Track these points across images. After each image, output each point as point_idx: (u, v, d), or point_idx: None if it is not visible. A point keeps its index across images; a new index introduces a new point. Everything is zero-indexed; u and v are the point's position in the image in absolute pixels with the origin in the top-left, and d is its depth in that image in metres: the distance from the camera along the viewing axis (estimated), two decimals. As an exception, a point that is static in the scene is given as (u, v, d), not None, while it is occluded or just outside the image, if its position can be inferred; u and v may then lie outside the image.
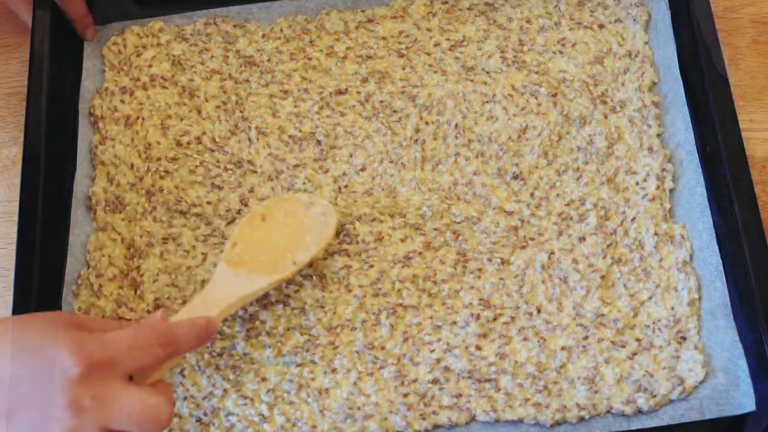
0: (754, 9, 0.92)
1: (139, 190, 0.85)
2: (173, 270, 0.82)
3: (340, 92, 0.88)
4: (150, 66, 0.90)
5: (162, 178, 0.85)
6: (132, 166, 0.86)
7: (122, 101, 0.88)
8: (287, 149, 0.86)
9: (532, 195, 0.83)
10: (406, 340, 0.78)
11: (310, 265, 0.80)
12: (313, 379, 0.78)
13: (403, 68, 0.88)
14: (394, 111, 0.87)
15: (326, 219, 0.79)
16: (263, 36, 0.91)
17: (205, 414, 0.77)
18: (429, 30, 0.90)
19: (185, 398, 0.78)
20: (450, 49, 0.89)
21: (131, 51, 0.90)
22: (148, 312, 0.81)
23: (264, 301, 0.80)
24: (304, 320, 0.80)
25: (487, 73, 0.88)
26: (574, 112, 0.85)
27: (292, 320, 0.80)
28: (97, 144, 0.87)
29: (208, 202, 0.84)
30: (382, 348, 0.78)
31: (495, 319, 0.78)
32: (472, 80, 0.87)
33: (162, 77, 0.89)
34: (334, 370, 0.78)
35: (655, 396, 0.75)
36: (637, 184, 0.82)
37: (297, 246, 0.77)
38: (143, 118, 0.87)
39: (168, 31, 0.91)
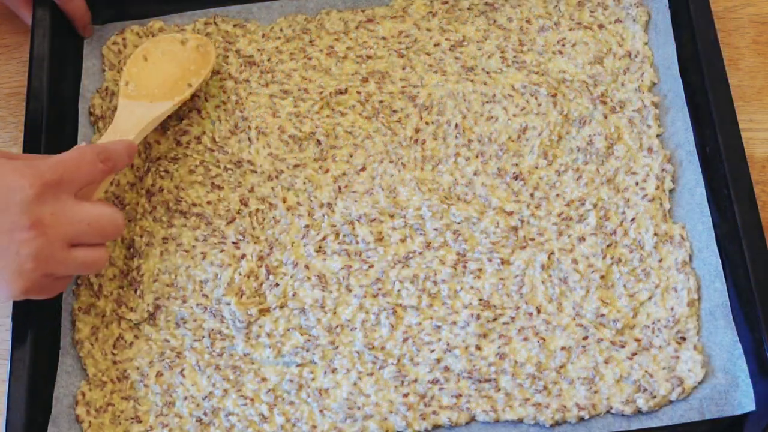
0: (754, 9, 0.92)
1: (139, 190, 0.85)
2: (173, 270, 0.82)
3: (340, 92, 0.88)
4: (150, 66, 0.90)
5: (162, 178, 0.85)
6: (132, 166, 0.86)
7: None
8: (287, 149, 0.86)
9: (532, 195, 0.83)
10: (406, 340, 0.78)
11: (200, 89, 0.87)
12: (313, 379, 0.78)
13: (403, 68, 0.88)
14: (394, 111, 0.87)
15: (205, 49, 0.87)
16: (263, 36, 0.91)
17: (205, 414, 0.77)
18: (429, 30, 0.90)
19: (185, 398, 0.78)
20: (450, 49, 0.89)
21: (131, 50, 0.90)
22: (149, 312, 0.81)
23: (263, 304, 0.80)
24: (304, 320, 0.80)
25: (487, 73, 0.88)
26: (574, 112, 0.85)
27: (292, 320, 0.80)
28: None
29: (208, 202, 0.84)
30: (382, 348, 0.78)
31: (495, 319, 0.78)
32: (472, 80, 0.87)
33: (162, 77, 0.89)
34: (334, 370, 0.78)
35: (654, 396, 0.75)
36: (637, 184, 0.82)
37: (187, 74, 0.85)
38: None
39: (168, 31, 0.91)
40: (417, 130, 0.86)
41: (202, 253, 0.83)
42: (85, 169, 0.70)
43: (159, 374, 0.79)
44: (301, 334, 0.79)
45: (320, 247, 0.82)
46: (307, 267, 0.81)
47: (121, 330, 0.81)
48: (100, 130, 0.87)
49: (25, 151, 0.82)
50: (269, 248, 0.82)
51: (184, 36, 0.87)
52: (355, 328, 0.79)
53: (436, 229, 0.82)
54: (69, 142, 0.87)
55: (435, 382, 0.77)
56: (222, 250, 0.82)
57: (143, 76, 0.84)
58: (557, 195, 0.83)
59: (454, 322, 0.79)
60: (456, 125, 0.85)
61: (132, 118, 0.81)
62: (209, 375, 0.79)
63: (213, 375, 0.79)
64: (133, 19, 0.92)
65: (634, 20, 0.88)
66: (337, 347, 0.79)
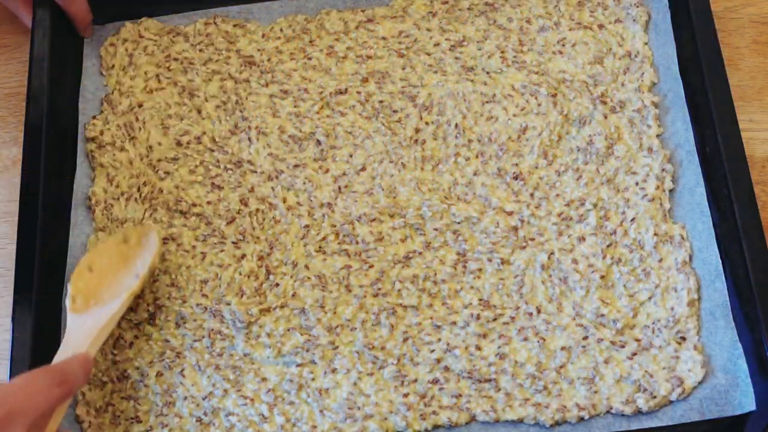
0: (754, 9, 0.92)
1: (140, 191, 0.85)
2: (173, 270, 0.82)
3: (340, 92, 0.88)
4: (150, 66, 0.90)
5: (162, 179, 0.85)
6: (132, 166, 0.86)
7: (122, 102, 0.88)
8: (287, 149, 0.86)
9: (532, 195, 0.83)
10: (406, 340, 0.78)
11: (151, 274, 0.81)
12: (313, 379, 0.78)
13: (403, 68, 0.88)
14: (394, 111, 0.87)
15: (148, 238, 0.81)
16: (263, 36, 0.91)
17: (205, 414, 0.77)
18: (429, 30, 0.90)
19: (185, 398, 0.78)
20: (450, 49, 0.89)
21: (131, 51, 0.90)
22: (149, 312, 0.81)
23: (264, 304, 0.80)
24: (304, 320, 0.80)
25: (487, 73, 0.88)
26: (574, 112, 0.85)
27: (292, 320, 0.80)
28: (98, 145, 0.87)
29: (208, 202, 0.84)
30: (382, 348, 0.78)
31: (495, 319, 0.78)
32: (472, 80, 0.87)
33: (162, 77, 0.89)
34: (334, 370, 0.78)
35: (654, 396, 0.75)
36: (637, 184, 0.82)
37: (133, 267, 0.79)
38: (143, 119, 0.87)
39: (168, 31, 0.91)
40: (417, 130, 0.86)
41: (202, 253, 0.83)
42: (39, 398, 0.61)
43: (159, 374, 0.79)
44: (301, 334, 0.79)
45: (320, 247, 0.82)
46: (307, 267, 0.81)
47: (121, 330, 0.81)
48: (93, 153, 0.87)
49: (25, 150, 0.82)
50: (269, 248, 0.82)
51: (125, 233, 0.81)
52: (355, 328, 0.79)
53: (436, 229, 0.82)
54: (69, 143, 0.87)
55: (435, 382, 0.77)
56: (222, 250, 0.82)
57: (91, 287, 0.78)
58: (557, 195, 0.83)
59: (454, 322, 0.79)
60: (456, 125, 0.85)
61: (83, 331, 0.74)
62: (209, 375, 0.79)
63: (213, 375, 0.79)
64: (133, 19, 0.92)
65: (634, 20, 0.88)
66: (337, 347, 0.79)
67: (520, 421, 0.76)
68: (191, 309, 0.81)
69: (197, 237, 0.83)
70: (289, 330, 0.79)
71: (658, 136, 0.84)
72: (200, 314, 0.81)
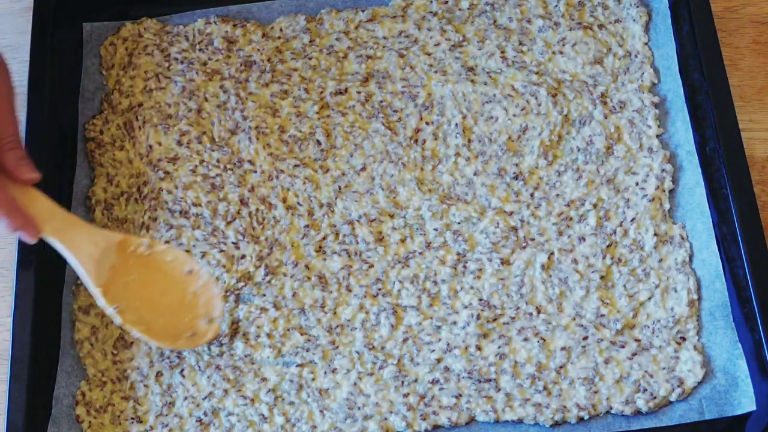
0: (754, 9, 0.92)
1: (140, 191, 0.85)
2: (173, 270, 0.82)
3: (340, 92, 0.88)
4: (149, 66, 0.90)
5: (162, 178, 0.85)
6: (132, 166, 0.86)
7: (121, 101, 0.88)
8: (287, 149, 0.86)
9: (532, 195, 0.83)
10: (406, 340, 0.79)
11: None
12: (313, 379, 0.78)
13: (403, 68, 0.88)
14: (394, 111, 0.87)
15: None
16: (263, 36, 0.91)
17: (205, 414, 0.77)
18: (429, 30, 0.90)
19: (185, 398, 0.78)
20: (450, 49, 0.89)
21: (131, 50, 0.90)
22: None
23: (263, 304, 0.80)
24: (304, 320, 0.80)
25: (487, 73, 0.88)
26: (574, 112, 0.85)
27: (292, 320, 0.80)
28: (97, 145, 0.87)
29: (208, 202, 0.84)
30: (382, 348, 0.78)
31: (495, 319, 0.79)
32: (472, 80, 0.87)
33: (162, 77, 0.89)
34: (334, 370, 0.78)
35: (654, 396, 0.75)
36: (637, 184, 0.82)
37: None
38: (143, 118, 0.87)
39: (168, 31, 0.91)
40: (417, 130, 0.86)
41: (202, 253, 0.83)
42: None
43: (159, 374, 0.79)
44: (301, 334, 0.79)
45: (320, 247, 0.82)
46: (307, 267, 0.81)
47: (122, 330, 0.81)
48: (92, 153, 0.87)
49: (25, 150, 0.82)
50: (269, 248, 0.82)
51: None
52: (355, 328, 0.79)
53: (436, 230, 0.82)
54: (69, 143, 0.87)
55: (435, 382, 0.77)
56: (222, 250, 0.82)
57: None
58: (557, 195, 0.83)
59: (454, 323, 0.79)
60: (456, 125, 0.85)
61: (95, 242, 0.75)
62: (209, 375, 0.79)
63: (213, 375, 0.79)
64: (133, 19, 0.92)
65: (634, 20, 0.88)
66: (337, 347, 0.79)
67: (520, 421, 0.76)
68: (191, 309, 0.81)
69: (197, 237, 0.83)
70: (288, 330, 0.79)
71: (658, 136, 0.84)
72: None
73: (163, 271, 0.78)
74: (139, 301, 0.76)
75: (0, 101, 0.74)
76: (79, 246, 0.75)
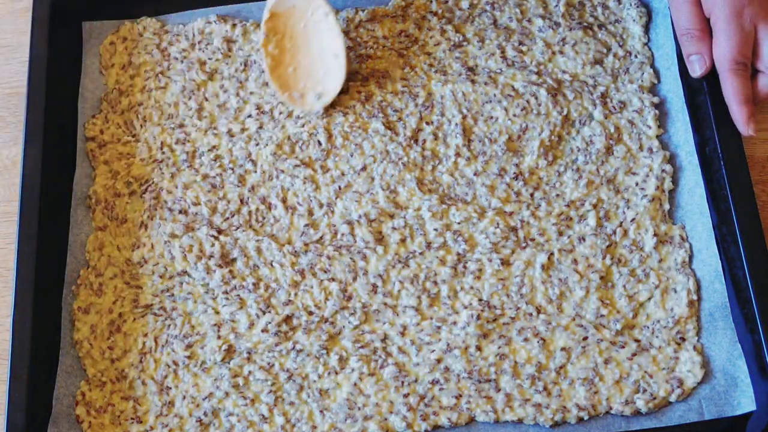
0: (754, 9, 0.91)
1: (139, 191, 0.85)
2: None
3: (340, 92, 0.88)
4: (149, 65, 0.90)
5: (162, 178, 0.85)
6: (131, 165, 0.86)
7: (121, 101, 0.88)
8: (287, 149, 0.86)
9: (532, 195, 0.83)
10: (405, 338, 0.79)
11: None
12: (313, 380, 0.78)
13: (403, 68, 0.88)
14: (394, 111, 0.87)
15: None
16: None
17: (205, 414, 0.77)
18: (429, 30, 0.90)
19: (185, 398, 0.78)
20: (450, 49, 0.89)
21: (130, 49, 0.90)
22: (150, 311, 0.81)
23: (264, 302, 0.81)
24: (304, 321, 0.80)
25: (488, 73, 0.88)
26: (574, 112, 0.85)
27: (292, 320, 0.80)
28: (98, 144, 0.87)
29: (208, 202, 0.84)
30: (383, 348, 0.78)
31: (495, 319, 0.79)
32: (472, 80, 0.87)
33: (161, 76, 0.89)
34: (334, 371, 0.78)
35: (654, 397, 0.75)
36: (637, 184, 0.82)
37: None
38: (143, 118, 0.87)
39: (168, 30, 0.91)
40: (417, 130, 0.86)
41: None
42: None
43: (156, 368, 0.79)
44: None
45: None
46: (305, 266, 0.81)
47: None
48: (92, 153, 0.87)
49: (25, 150, 0.82)
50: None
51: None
52: (356, 328, 0.79)
53: (436, 230, 0.82)
54: (69, 143, 0.87)
55: (435, 382, 0.77)
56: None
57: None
58: (557, 195, 0.83)
59: (455, 323, 0.79)
60: (456, 125, 0.85)
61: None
62: (214, 377, 0.79)
63: (215, 375, 0.79)
64: (133, 18, 0.92)
65: (634, 20, 0.88)
66: (337, 348, 0.79)
67: (520, 421, 0.76)
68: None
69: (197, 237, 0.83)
70: (289, 330, 0.79)
71: (658, 136, 0.84)
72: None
73: (317, 39, 0.87)
74: (283, 46, 0.86)
75: None
76: None
